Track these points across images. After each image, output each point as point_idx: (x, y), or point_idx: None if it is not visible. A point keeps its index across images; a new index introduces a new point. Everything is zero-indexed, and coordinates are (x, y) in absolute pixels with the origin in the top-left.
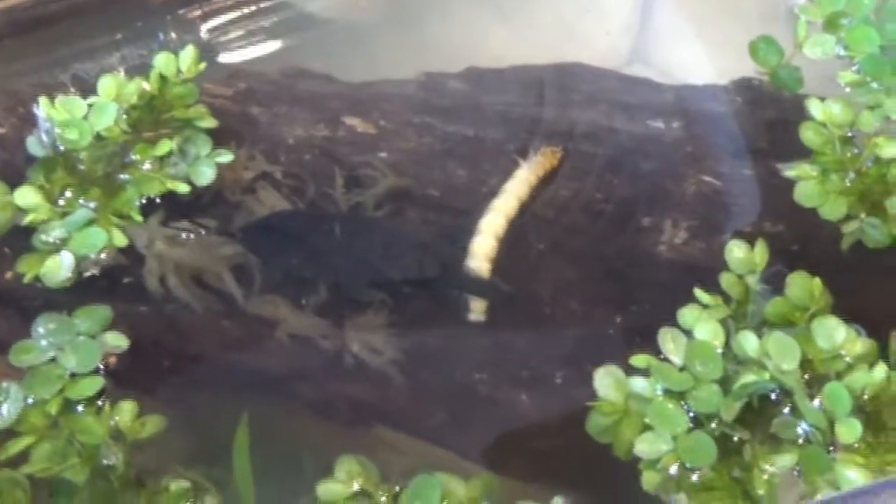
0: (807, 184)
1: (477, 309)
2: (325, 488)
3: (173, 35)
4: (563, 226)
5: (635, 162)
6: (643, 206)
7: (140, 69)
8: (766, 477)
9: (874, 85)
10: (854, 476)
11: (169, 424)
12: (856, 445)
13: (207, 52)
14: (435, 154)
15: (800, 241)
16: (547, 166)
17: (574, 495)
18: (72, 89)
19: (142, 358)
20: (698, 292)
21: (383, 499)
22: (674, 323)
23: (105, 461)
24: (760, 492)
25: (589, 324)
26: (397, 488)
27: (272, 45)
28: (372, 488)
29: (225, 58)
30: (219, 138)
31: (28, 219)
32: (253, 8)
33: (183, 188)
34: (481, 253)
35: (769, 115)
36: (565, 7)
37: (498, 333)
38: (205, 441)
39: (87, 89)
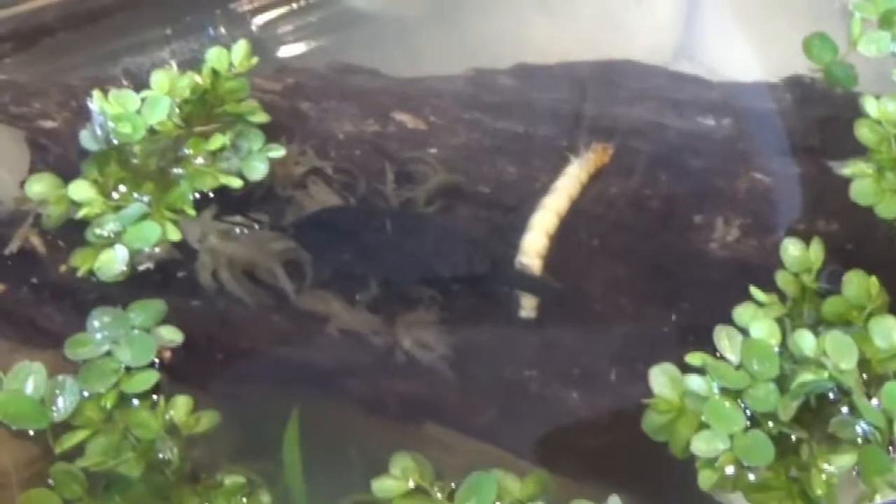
0: (863, 182)
1: (528, 306)
2: (381, 484)
3: (223, 30)
4: (612, 222)
5: (685, 159)
6: (694, 204)
7: (190, 63)
8: (824, 477)
9: None
10: None
11: (221, 419)
12: None
13: (256, 47)
14: (485, 150)
15: (855, 240)
16: (598, 163)
17: (627, 494)
18: (124, 83)
19: (194, 352)
20: (754, 290)
21: (439, 496)
22: (726, 321)
23: (160, 456)
24: (819, 492)
25: (640, 321)
26: (453, 485)
27: (318, 41)
28: (427, 485)
29: (273, 53)
30: (270, 133)
31: (82, 212)
32: (301, 3)
33: (235, 183)
34: (532, 250)
35: (821, 113)
36: (610, 1)
37: (548, 330)
38: (255, 435)
39: (138, 83)
